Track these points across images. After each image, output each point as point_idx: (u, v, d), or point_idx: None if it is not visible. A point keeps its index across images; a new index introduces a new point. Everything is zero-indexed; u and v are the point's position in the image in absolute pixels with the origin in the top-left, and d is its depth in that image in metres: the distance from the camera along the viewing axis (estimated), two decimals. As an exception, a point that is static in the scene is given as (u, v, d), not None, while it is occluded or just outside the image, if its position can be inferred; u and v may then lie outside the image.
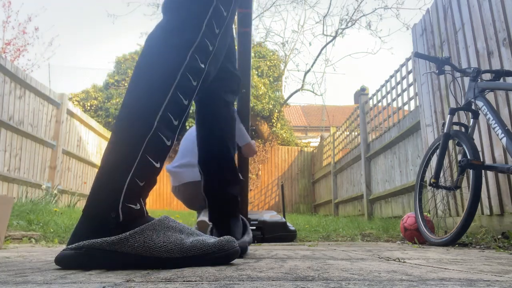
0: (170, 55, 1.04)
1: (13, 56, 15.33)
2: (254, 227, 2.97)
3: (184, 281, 0.79)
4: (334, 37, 11.20)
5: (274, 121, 12.22)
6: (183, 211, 8.03)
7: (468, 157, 2.22)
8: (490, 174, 2.57)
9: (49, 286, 0.74)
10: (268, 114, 11.78)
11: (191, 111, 11.03)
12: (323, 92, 17.08)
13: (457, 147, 2.91)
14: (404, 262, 1.24)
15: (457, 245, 2.32)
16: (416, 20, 24.93)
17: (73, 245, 0.99)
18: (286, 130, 12.70)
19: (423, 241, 2.57)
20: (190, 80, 1.05)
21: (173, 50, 1.04)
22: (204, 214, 2.67)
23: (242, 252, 1.42)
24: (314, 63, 11.74)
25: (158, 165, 1.04)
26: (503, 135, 2.03)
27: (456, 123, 2.55)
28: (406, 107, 4.94)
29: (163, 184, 11.40)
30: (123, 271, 0.97)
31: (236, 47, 1.62)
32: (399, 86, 5.09)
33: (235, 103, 2.06)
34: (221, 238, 1.07)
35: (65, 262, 1.00)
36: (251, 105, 11.12)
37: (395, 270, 0.97)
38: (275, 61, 12.79)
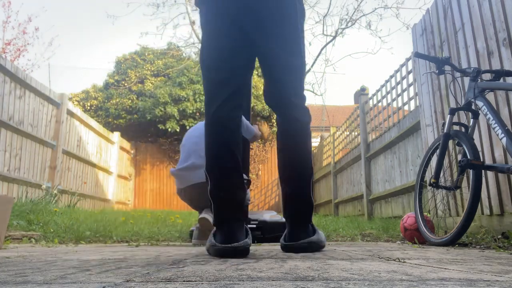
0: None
1: (13, 56, 15.33)
2: (254, 226, 2.97)
3: (184, 281, 0.79)
4: (334, 37, 11.18)
5: (274, 121, 12.21)
6: (183, 211, 8.03)
7: (468, 157, 2.22)
8: (490, 174, 2.57)
9: (49, 286, 0.74)
10: (268, 114, 11.78)
11: (190, 111, 10.84)
12: (323, 92, 17.08)
13: (457, 147, 2.91)
14: (404, 262, 1.24)
15: (457, 245, 2.31)
16: (416, 20, 24.90)
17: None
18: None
19: (423, 241, 2.56)
20: None
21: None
22: (206, 212, 2.69)
23: (245, 253, 1.46)
24: (314, 63, 11.68)
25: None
26: (503, 135, 2.03)
27: (456, 123, 2.55)
28: (406, 107, 4.93)
29: (163, 184, 11.40)
30: (123, 271, 0.97)
31: None
32: (399, 86, 5.09)
33: None
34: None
35: None
36: (251, 105, 11.12)
37: (395, 270, 0.97)
38: (275, 61, 12.76)
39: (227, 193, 1.57)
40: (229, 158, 1.59)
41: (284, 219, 1.79)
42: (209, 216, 2.62)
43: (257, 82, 11.31)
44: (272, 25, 1.66)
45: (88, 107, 11.96)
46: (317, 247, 1.68)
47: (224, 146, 1.60)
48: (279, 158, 1.78)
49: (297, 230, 1.66)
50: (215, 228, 1.59)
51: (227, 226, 1.52)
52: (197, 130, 2.99)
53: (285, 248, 1.68)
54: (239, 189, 1.60)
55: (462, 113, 2.88)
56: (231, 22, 1.65)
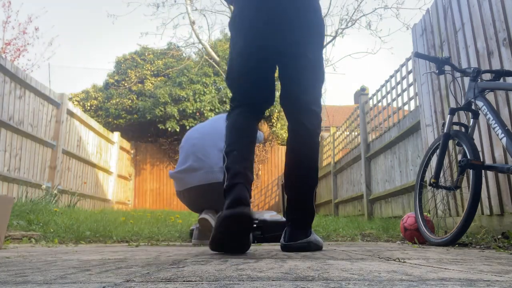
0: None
1: (13, 56, 15.33)
2: (255, 226, 2.97)
3: (184, 281, 0.79)
4: (334, 37, 11.19)
5: (274, 121, 12.22)
6: (183, 211, 8.03)
7: (468, 157, 2.22)
8: (490, 174, 2.57)
9: (49, 286, 0.74)
10: (268, 114, 11.79)
11: (190, 111, 10.81)
12: (323, 92, 17.06)
13: (457, 147, 2.91)
14: (404, 262, 1.24)
15: (457, 245, 2.31)
16: (416, 20, 24.88)
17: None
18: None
19: (423, 241, 2.56)
20: None
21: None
22: (206, 213, 2.67)
23: (250, 222, 1.56)
24: (314, 63, 11.68)
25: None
26: (503, 135, 2.03)
27: (456, 123, 2.55)
28: (406, 107, 4.93)
29: (163, 184, 11.40)
30: (123, 271, 0.97)
31: None
32: (399, 86, 5.09)
33: None
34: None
35: None
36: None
37: (395, 270, 0.97)
38: (275, 61, 12.75)
39: (241, 166, 1.67)
40: (248, 138, 1.78)
41: (284, 219, 1.83)
42: (209, 217, 2.61)
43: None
44: (304, 42, 1.82)
45: (88, 107, 11.96)
46: (315, 247, 1.76)
47: (245, 135, 1.78)
48: (287, 163, 1.84)
49: (296, 231, 1.74)
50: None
51: (239, 183, 1.61)
52: (195, 131, 2.97)
53: (285, 248, 1.74)
54: (251, 163, 1.75)
55: (462, 113, 2.88)
56: (261, 31, 1.79)
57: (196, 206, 2.85)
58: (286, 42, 1.79)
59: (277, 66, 1.89)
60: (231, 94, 1.90)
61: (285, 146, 1.95)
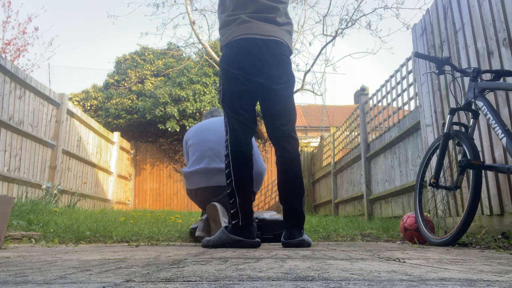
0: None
1: (13, 56, 15.32)
2: (254, 225, 2.98)
3: (184, 281, 0.79)
4: (334, 37, 11.17)
5: (274, 121, 12.20)
6: (183, 211, 8.03)
7: (468, 157, 2.22)
8: (490, 174, 2.57)
9: (49, 286, 0.74)
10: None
11: (190, 111, 10.80)
12: (323, 92, 17.06)
13: (457, 147, 2.91)
14: (404, 262, 1.24)
15: (457, 245, 2.32)
16: (416, 20, 24.92)
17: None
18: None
19: (423, 241, 2.56)
20: None
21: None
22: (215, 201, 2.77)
23: (259, 246, 2.19)
24: (314, 63, 11.68)
25: None
26: (503, 135, 2.03)
27: (456, 123, 2.55)
28: (406, 107, 4.93)
29: (163, 184, 11.40)
30: (123, 271, 0.97)
31: None
32: (399, 86, 5.09)
33: None
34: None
35: None
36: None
37: (395, 270, 0.97)
38: (275, 61, 12.72)
39: (251, 206, 2.25)
40: (251, 181, 2.27)
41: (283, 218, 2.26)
42: (218, 205, 2.67)
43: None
44: (280, 84, 2.35)
45: (88, 107, 11.95)
46: (307, 244, 2.21)
47: (251, 172, 2.25)
48: (280, 181, 2.33)
49: (294, 231, 2.22)
50: (232, 226, 2.19)
51: (250, 227, 2.19)
52: (210, 133, 2.97)
53: (286, 245, 2.19)
54: (251, 195, 2.31)
55: (462, 113, 2.88)
56: (249, 80, 2.28)
57: (206, 204, 2.91)
58: (268, 83, 2.29)
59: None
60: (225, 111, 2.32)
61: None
